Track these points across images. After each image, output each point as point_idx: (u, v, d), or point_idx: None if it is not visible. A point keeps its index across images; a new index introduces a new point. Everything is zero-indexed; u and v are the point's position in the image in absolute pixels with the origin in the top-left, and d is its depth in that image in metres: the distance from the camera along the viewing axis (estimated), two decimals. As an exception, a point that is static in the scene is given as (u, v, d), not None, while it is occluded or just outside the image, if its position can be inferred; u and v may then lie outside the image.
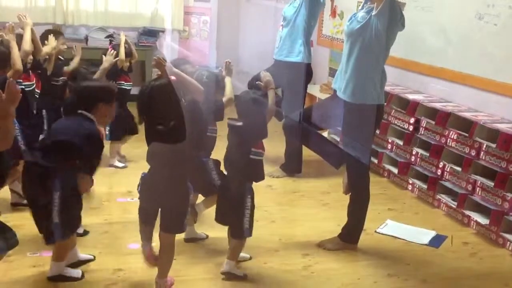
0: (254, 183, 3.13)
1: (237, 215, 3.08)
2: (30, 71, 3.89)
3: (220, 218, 3.20)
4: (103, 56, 4.28)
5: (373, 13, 3.30)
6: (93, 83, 3.17)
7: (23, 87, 3.62)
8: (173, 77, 2.89)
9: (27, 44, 3.71)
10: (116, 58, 4.45)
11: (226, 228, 3.23)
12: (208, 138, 3.42)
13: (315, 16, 4.90)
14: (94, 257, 3.26)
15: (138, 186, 2.96)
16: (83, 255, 3.21)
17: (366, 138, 3.54)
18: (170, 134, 2.68)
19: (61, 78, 4.36)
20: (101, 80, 3.18)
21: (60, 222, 2.81)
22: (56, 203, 2.78)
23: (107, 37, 6.72)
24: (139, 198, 2.97)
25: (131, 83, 4.85)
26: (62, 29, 6.59)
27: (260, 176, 3.14)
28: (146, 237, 3.00)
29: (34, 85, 3.93)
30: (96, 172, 2.95)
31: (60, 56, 4.52)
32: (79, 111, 2.90)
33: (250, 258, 3.41)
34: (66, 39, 6.78)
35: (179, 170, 2.82)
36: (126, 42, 4.82)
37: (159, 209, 2.89)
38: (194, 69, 3.42)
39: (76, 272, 3.06)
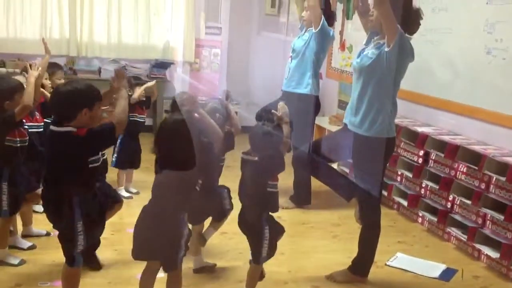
0: None
1: (255, 245, 3.14)
2: (36, 112, 3.77)
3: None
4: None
5: (386, 49, 3.29)
6: (69, 87, 2.78)
7: (26, 127, 3.53)
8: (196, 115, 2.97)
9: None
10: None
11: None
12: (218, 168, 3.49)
13: (325, 50, 4.95)
14: None
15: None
16: None
17: (379, 171, 3.54)
18: (180, 162, 2.71)
19: None
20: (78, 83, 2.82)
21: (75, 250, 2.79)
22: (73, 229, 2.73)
23: (119, 69, 6.83)
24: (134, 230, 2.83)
25: (143, 116, 4.94)
26: (76, 61, 6.71)
27: (276, 207, 3.17)
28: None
29: (42, 127, 3.80)
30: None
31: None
32: (51, 128, 2.74)
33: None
34: (80, 71, 6.90)
35: (175, 203, 2.75)
36: (148, 87, 4.87)
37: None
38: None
39: None
